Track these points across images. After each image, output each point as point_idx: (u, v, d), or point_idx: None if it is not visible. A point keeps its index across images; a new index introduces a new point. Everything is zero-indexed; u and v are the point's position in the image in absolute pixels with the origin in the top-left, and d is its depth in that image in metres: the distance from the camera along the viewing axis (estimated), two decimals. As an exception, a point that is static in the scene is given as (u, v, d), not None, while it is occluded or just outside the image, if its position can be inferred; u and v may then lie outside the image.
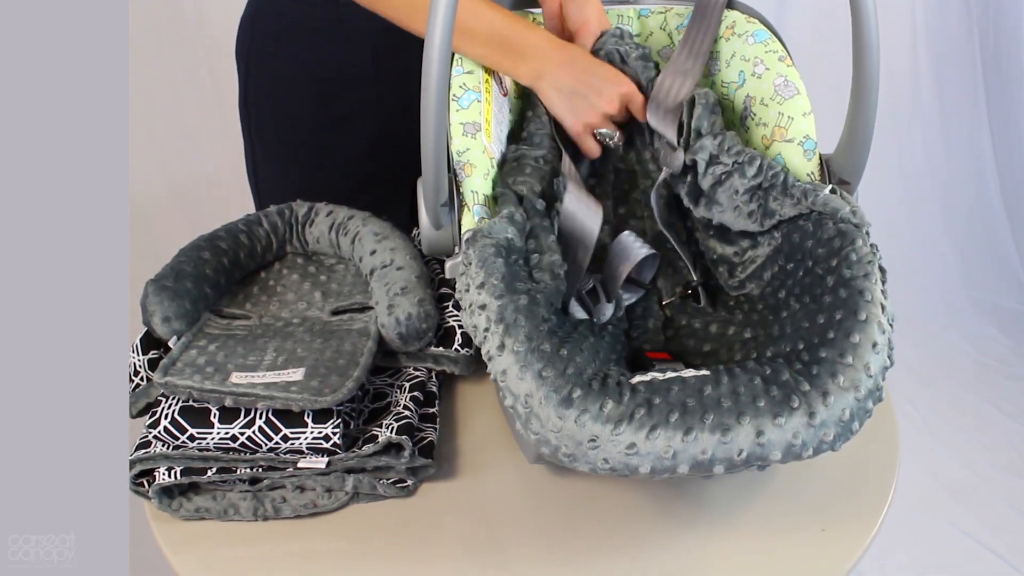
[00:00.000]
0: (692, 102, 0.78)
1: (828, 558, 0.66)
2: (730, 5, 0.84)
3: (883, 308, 0.61)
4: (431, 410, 0.76)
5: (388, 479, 0.70)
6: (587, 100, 0.80)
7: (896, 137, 2.32)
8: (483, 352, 0.61)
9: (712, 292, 0.80)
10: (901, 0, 2.22)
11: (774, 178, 0.72)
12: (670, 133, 0.79)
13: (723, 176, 0.74)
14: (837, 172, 0.73)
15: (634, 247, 0.77)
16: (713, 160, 0.75)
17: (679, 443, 0.54)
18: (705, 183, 0.76)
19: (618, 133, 0.82)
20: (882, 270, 0.64)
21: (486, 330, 0.60)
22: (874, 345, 0.58)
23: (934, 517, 1.66)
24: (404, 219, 0.89)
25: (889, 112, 2.27)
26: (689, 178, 0.78)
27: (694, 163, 0.76)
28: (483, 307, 0.61)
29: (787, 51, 0.79)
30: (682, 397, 0.56)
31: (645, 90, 0.82)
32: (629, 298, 0.79)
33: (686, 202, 0.78)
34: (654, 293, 0.82)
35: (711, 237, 0.80)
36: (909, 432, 1.84)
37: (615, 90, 0.80)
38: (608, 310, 0.74)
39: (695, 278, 0.80)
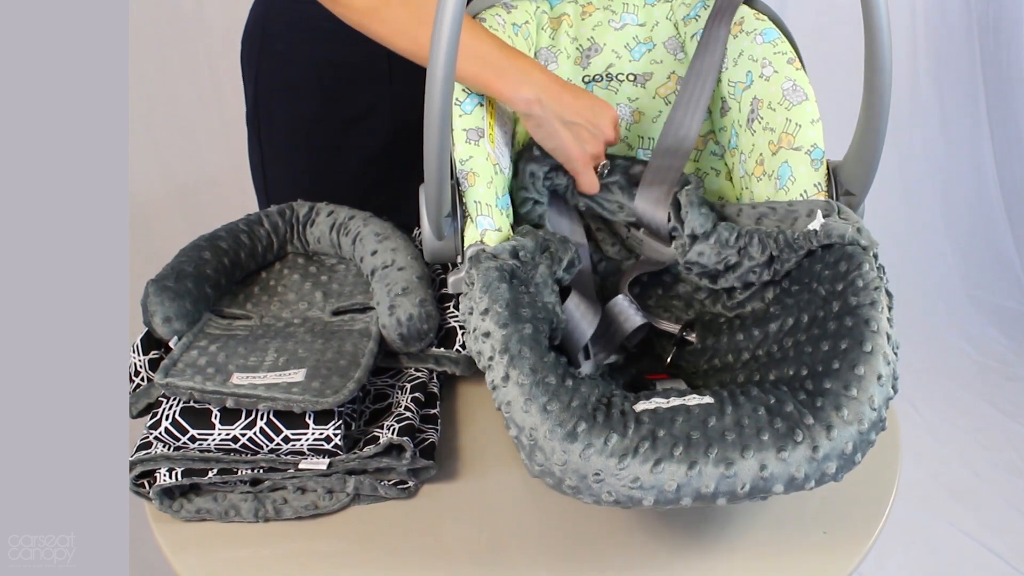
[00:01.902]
0: (677, 203, 0.77)
1: (830, 560, 0.66)
2: (747, 2, 0.83)
3: (888, 337, 0.60)
4: (432, 411, 0.76)
5: (389, 480, 0.70)
6: (589, 129, 0.77)
7: (896, 137, 2.32)
8: (487, 380, 0.60)
9: (708, 321, 0.79)
10: (901, 0, 2.22)
11: (777, 244, 0.71)
12: (661, 229, 0.79)
13: (734, 264, 0.74)
14: (844, 183, 0.71)
15: (629, 312, 0.76)
16: (718, 257, 0.74)
17: (683, 477, 0.54)
18: (716, 272, 0.76)
19: (609, 164, 0.81)
20: (888, 295, 0.63)
21: (490, 359, 0.60)
22: (879, 377, 0.57)
23: (934, 518, 1.66)
24: (415, 218, 0.89)
25: (890, 112, 2.27)
26: (695, 271, 0.78)
27: (696, 264, 0.76)
28: (487, 335, 0.61)
29: (797, 52, 0.78)
30: (686, 429, 0.56)
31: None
32: (607, 358, 0.78)
33: (696, 278, 0.78)
34: (651, 355, 0.81)
35: (712, 285, 0.78)
36: (909, 432, 1.84)
37: (609, 114, 0.79)
38: (588, 368, 0.74)
39: (677, 333, 0.78)
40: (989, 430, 1.89)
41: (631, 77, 0.88)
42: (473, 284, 0.64)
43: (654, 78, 0.88)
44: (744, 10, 0.82)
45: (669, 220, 0.78)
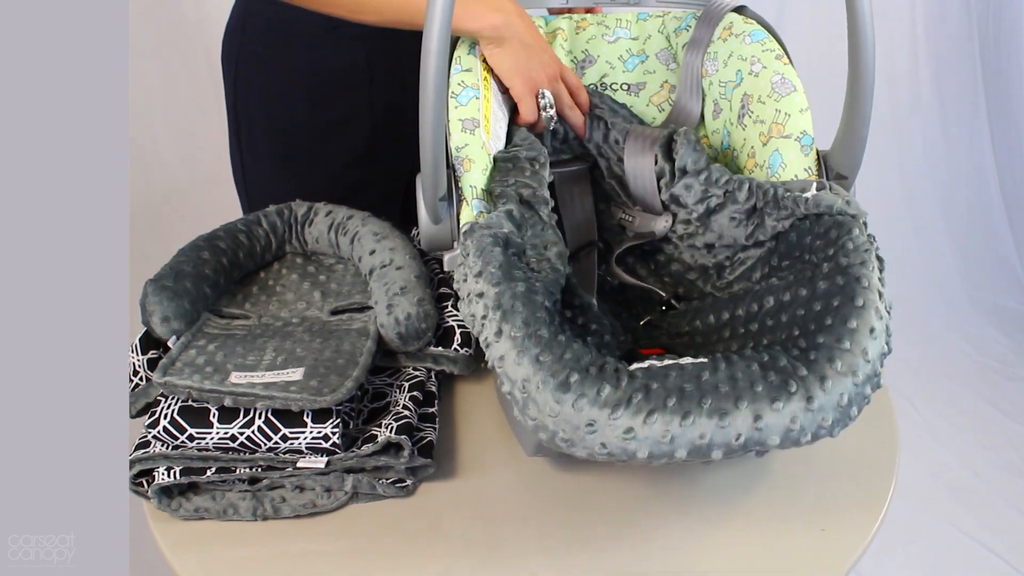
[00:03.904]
0: (671, 139, 0.79)
1: (828, 558, 0.66)
2: (736, 9, 0.85)
3: (880, 295, 0.60)
4: (430, 410, 0.76)
5: (387, 479, 0.70)
6: (539, 58, 0.80)
7: (896, 137, 2.32)
8: (481, 340, 0.60)
9: (696, 296, 0.80)
10: (901, 1, 2.22)
11: (765, 195, 0.72)
12: (650, 193, 0.80)
13: (717, 207, 0.75)
14: (834, 167, 0.73)
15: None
16: (704, 195, 0.75)
17: (677, 428, 0.54)
18: (696, 214, 0.76)
19: (554, 108, 0.83)
20: (879, 259, 0.64)
21: (484, 317, 0.60)
22: (871, 331, 0.58)
23: (934, 517, 1.66)
24: (396, 221, 0.90)
25: (889, 112, 2.27)
26: (679, 215, 0.78)
27: (678, 200, 0.77)
28: (481, 295, 0.61)
29: (785, 50, 0.80)
30: (680, 382, 0.56)
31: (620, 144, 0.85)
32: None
33: (676, 240, 0.79)
34: (628, 313, 0.82)
35: (696, 250, 0.80)
36: (909, 432, 1.84)
37: (554, 53, 0.83)
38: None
39: (665, 295, 0.80)
40: (989, 430, 1.89)
41: (624, 86, 0.90)
42: (468, 254, 0.64)
43: (647, 87, 0.90)
44: (732, 16, 0.84)
45: (656, 162, 0.79)
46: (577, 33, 0.90)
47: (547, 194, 0.73)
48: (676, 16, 0.88)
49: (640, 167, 0.81)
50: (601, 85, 0.90)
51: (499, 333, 0.58)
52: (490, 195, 0.72)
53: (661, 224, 0.80)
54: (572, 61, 0.90)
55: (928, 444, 1.84)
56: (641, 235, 0.82)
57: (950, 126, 2.35)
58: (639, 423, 0.54)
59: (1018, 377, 2.04)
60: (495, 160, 0.75)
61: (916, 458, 1.77)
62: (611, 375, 0.57)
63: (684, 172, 0.76)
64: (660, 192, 0.80)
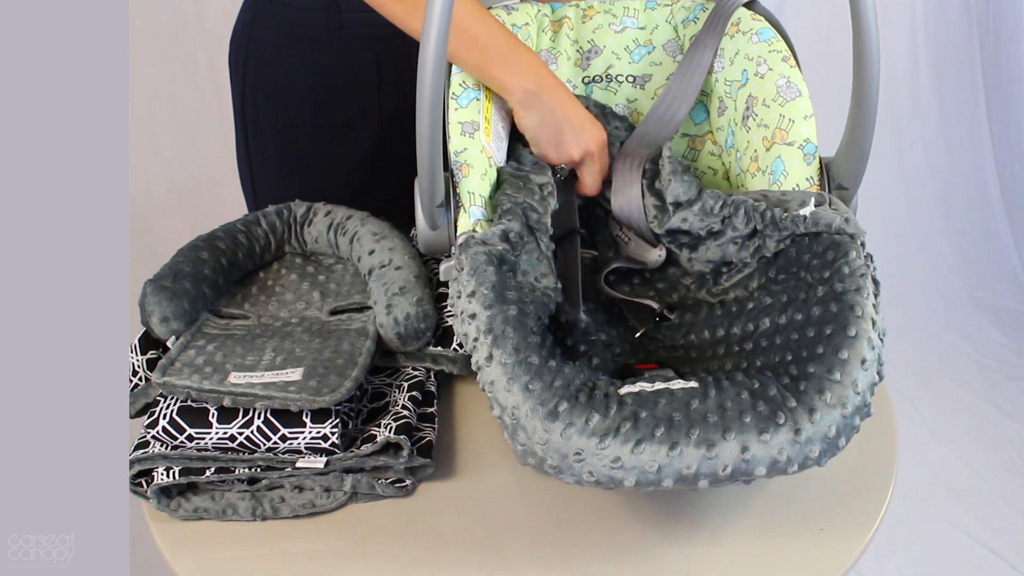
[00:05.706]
0: (657, 162, 0.78)
1: (826, 558, 0.66)
2: (747, 4, 0.84)
3: (874, 323, 0.60)
4: (429, 410, 0.76)
5: (387, 479, 0.71)
6: (575, 135, 0.78)
7: (896, 137, 2.32)
8: (472, 361, 0.61)
9: (691, 305, 0.79)
10: (901, 0, 2.22)
11: (763, 218, 0.71)
12: (642, 227, 0.79)
13: (717, 233, 0.74)
14: (836, 177, 0.72)
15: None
16: (701, 224, 0.75)
17: (664, 458, 0.54)
18: (695, 235, 0.76)
19: (566, 171, 0.82)
20: (875, 282, 0.63)
21: (475, 340, 0.60)
22: (863, 362, 0.58)
23: (934, 517, 1.66)
24: (403, 223, 0.90)
25: (889, 112, 2.27)
26: (682, 239, 0.78)
27: (676, 231, 0.77)
28: (473, 316, 0.61)
29: (792, 51, 0.79)
30: (668, 411, 0.56)
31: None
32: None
33: (677, 255, 0.79)
34: (624, 327, 0.81)
35: (692, 256, 0.79)
36: (909, 432, 1.83)
37: (598, 134, 0.80)
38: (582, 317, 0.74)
39: (658, 307, 0.79)
40: (989, 430, 1.89)
41: (630, 79, 0.89)
42: (462, 270, 0.64)
43: (653, 80, 0.89)
44: (741, 11, 0.83)
45: (644, 195, 0.78)
46: (583, 22, 0.89)
47: (549, 222, 0.72)
48: (684, 6, 0.87)
49: (628, 200, 0.79)
50: (606, 76, 0.89)
51: (489, 358, 0.59)
52: (493, 206, 0.71)
53: (654, 256, 0.79)
54: (578, 51, 0.89)
55: (928, 444, 1.84)
56: (633, 260, 0.81)
57: (950, 126, 2.35)
58: (627, 453, 0.54)
59: (1018, 377, 2.04)
60: (504, 173, 0.75)
61: (916, 458, 1.77)
62: (600, 402, 0.57)
63: (677, 205, 0.75)
64: (651, 223, 0.79)
